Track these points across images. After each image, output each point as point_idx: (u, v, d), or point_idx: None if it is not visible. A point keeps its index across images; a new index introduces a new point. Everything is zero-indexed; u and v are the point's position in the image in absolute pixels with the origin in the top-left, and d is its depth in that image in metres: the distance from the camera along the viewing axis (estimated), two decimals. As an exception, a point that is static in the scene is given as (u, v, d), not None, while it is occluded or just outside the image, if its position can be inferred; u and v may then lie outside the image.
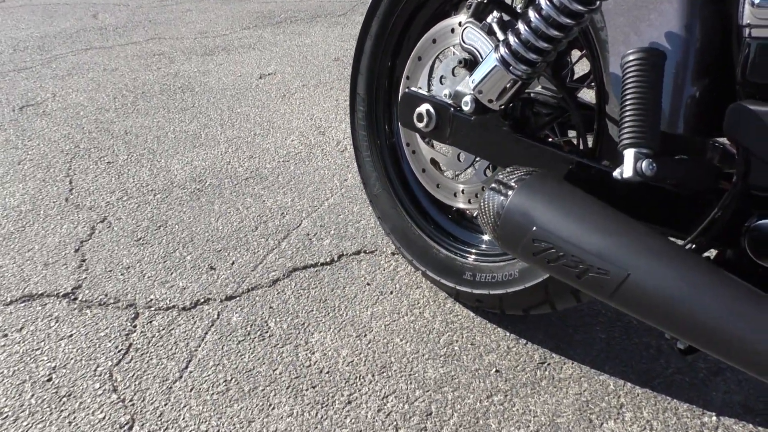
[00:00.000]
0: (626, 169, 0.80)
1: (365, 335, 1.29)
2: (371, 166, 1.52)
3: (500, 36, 1.10)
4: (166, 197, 1.86)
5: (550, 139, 1.26)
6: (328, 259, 1.55)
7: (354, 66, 1.53)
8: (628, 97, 0.81)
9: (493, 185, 0.94)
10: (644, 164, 0.79)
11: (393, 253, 1.57)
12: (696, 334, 0.74)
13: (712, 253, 0.95)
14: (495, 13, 1.15)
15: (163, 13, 4.47)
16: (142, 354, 1.23)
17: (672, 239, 0.90)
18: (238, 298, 1.40)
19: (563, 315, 1.35)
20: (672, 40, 0.90)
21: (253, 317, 1.34)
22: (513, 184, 0.91)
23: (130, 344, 1.26)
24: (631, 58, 0.82)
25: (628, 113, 0.81)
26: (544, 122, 1.12)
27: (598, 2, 0.91)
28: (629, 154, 0.80)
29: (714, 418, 1.10)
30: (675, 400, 1.14)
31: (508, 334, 1.30)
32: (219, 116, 2.51)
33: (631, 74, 0.82)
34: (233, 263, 1.53)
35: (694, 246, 0.89)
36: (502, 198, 0.91)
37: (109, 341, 1.26)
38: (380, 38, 1.46)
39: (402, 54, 1.45)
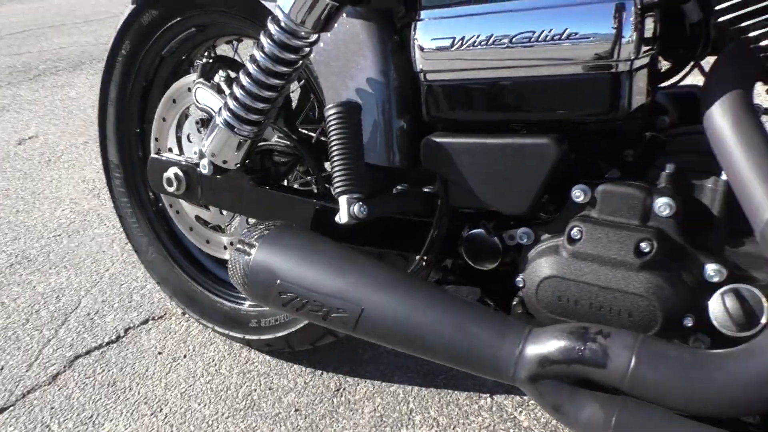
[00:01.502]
0: (342, 215, 0.88)
1: (161, 410, 1.26)
2: (141, 232, 1.47)
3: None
4: None
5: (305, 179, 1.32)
6: (113, 337, 1.48)
7: (101, 133, 1.49)
8: (334, 149, 0.89)
9: (238, 245, 0.97)
10: (356, 208, 0.87)
11: (184, 314, 1.54)
12: (428, 351, 0.83)
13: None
14: (222, 72, 1.18)
15: None
16: None
17: (399, 266, 1.01)
18: (11, 408, 1.28)
19: (351, 338, 1.43)
20: (373, 86, 0.99)
21: (32, 425, 1.23)
22: (254, 242, 0.95)
23: None
24: (330, 112, 0.90)
25: (335, 163, 0.89)
26: (285, 170, 1.18)
27: (300, 62, 0.98)
28: (342, 201, 0.88)
29: (489, 399, 1.24)
30: (456, 392, 1.26)
31: (303, 369, 1.35)
32: (-27, 198, 2.26)
33: (332, 128, 0.89)
34: (2, 368, 1.39)
35: (424, 263, 1.00)
36: (246, 257, 0.94)
37: None
38: (121, 102, 1.43)
39: (148, 116, 1.43)
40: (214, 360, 1.39)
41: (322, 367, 1.35)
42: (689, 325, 0.75)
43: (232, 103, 1.02)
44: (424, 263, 0.99)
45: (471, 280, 1.02)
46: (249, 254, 0.94)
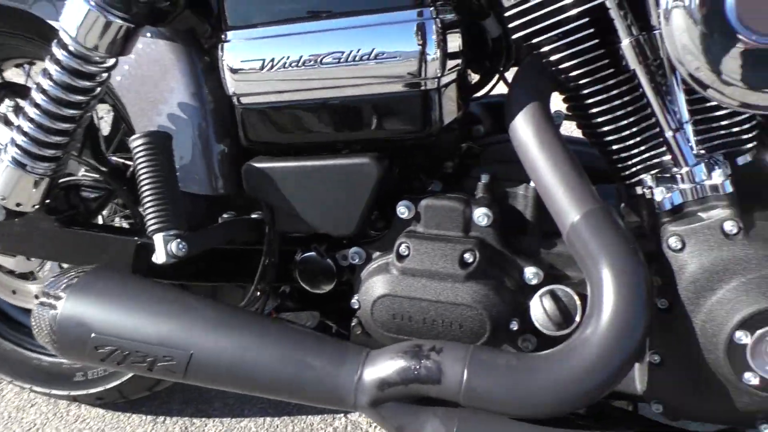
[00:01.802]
0: (159, 255, 0.80)
1: (-30, 494, 1.09)
2: (-73, 288, 1.26)
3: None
4: None
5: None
6: None
7: None
8: (143, 183, 0.81)
9: (42, 299, 0.85)
10: (173, 246, 0.80)
11: (-5, 375, 1.35)
12: (267, 389, 0.79)
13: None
14: (9, 101, 1.04)
15: None
16: None
17: (232, 299, 0.95)
18: None
19: (198, 373, 1.34)
20: (186, 110, 0.93)
21: None
22: (61, 293, 0.84)
23: None
24: (136, 144, 0.82)
25: (146, 200, 0.81)
26: (97, 206, 1.07)
27: (98, 88, 0.89)
28: (158, 240, 0.80)
29: (343, 419, 1.22)
30: (309, 417, 1.22)
31: (143, 417, 1.24)
32: None
33: (140, 160, 0.81)
34: None
35: (259, 292, 0.95)
36: (52, 311, 0.83)
37: None
38: None
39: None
40: (35, 425, 1.23)
41: (165, 412, 1.24)
42: (515, 328, 0.78)
43: (20, 138, 0.90)
44: (259, 293, 0.94)
45: (310, 305, 1.00)
46: (55, 308, 0.83)
